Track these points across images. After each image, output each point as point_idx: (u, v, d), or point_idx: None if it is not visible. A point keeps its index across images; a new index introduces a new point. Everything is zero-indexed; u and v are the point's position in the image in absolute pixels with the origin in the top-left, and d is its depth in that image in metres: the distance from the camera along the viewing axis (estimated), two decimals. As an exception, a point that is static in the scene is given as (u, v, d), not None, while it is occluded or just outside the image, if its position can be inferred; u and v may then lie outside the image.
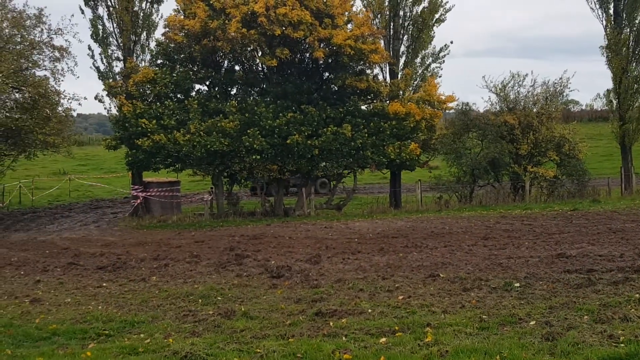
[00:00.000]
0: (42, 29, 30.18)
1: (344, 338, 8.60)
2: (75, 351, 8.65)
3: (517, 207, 28.39)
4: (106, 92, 31.86)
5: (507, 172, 33.05)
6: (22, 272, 16.29)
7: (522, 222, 22.67)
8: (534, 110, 32.68)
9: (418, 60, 33.30)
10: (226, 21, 28.76)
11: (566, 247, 16.14)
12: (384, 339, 8.40)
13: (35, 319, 10.78)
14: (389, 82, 33.00)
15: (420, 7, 33.11)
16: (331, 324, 9.37)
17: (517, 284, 11.45)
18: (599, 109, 71.11)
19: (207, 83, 31.64)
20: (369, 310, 10.05)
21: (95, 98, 33.40)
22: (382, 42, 32.27)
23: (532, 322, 8.83)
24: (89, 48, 32.39)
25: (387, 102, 31.88)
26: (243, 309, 10.55)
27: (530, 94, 32.93)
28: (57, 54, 30.38)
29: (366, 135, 29.96)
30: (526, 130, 31.86)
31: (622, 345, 7.56)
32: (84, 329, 9.97)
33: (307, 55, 30.99)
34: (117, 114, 31.26)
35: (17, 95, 30.14)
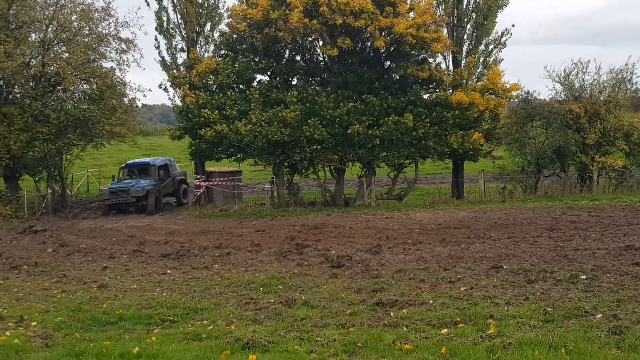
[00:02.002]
0: (109, 22, 30.94)
1: (404, 328, 8.55)
2: (141, 336, 8.86)
3: (584, 197, 27.65)
4: (170, 83, 32.47)
5: (574, 162, 32.17)
6: (90, 259, 16.78)
7: (589, 213, 22.07)
8: (601, 98, 31.66)
9: (481, 47, 32.70)
10: (287, 11, 28.85)
11: (635, 239, 15.62)
12: (445, 330, 8.32)
13: (102, 304, 11.08)
14: (451, 70, 32.53)
15: (485, -7, 32.41)
16: (392, 314, 9.33)
17: (584, 277, 11.16)
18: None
19: (269, 73, 31.83)
20: (430, 301, 9.96)
21: (160, 87, 33.90)
22: (444, 30, 31.80)
23: (599, 315, 8.59)
24: (155, 39, 33.09)
25: (450, 91, 31.43)
26: (304, 298, 10.61)
27: (595, 81, 31.91)
28: (123, 46, 31.10)
29: (428, 124, 29.64)
30: (593, 119, 30.92)
31: (694, 340, 7.29)
32: (149, 314, 10.20)
33: (368, 44, 30.83)
34: (181, 104, 31.82)
35: (84, 86, 30.97)
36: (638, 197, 26.73)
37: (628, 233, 16.80)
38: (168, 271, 14.36)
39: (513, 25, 37.23)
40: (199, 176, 32.72)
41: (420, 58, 30.82)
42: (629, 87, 32.47)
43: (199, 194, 31.77)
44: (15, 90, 30.03)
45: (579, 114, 30.68)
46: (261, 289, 11.77)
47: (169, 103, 34.85)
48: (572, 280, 11.02)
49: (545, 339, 7.61)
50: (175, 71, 32.71)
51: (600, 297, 9.67)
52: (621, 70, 31.76)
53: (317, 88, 31.16)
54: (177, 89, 32.03)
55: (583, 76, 31.99)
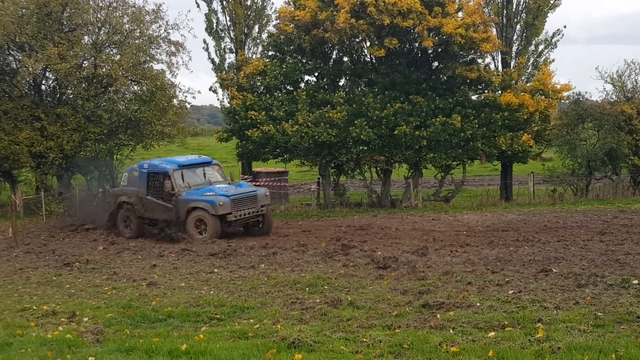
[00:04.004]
0: (159, 24, 31.40)
1: (451, 331, 8.50)
2: (189, 333, 9.00)
3: (636, 201, 27.02)
4: (219, 84, 32.86)
5: (626, 164, 31.46)
6: (139, 257, 17.09)
7: (642, 217, 21.56)
8: (655, 99, 30.87)
9: (531, 48, 32.22)
10: (335, 12, 28.89)
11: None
12: (492, 333, 8.24)
13: (151, 301, 11.28)
14: (500, 71, 32.13)
15: (536, -7, 31.94)
16: (438, 316, 9.28)
17: (636, 281, 10.92)
18: None
19: (316, 74, 31.91)
20: (478, 304, 9.87)
21: (210, 89, 34.39)
22: (493, 30, 31.42)
23: (652, 321, 8.41)
24: (204, 42, 33.58)
25: (499, 92, 31.04)
26: (349, 299, 10.62)
27: (649, 82, 31.13)
28: (173, 48, 31.52)
29: (476, 126, 29.32)
30: (645, 121, 30.18)
31: None
32: (196, 312, 10.35)
33: (416, 44, 30.62)
34: (229, 105, 32.15)
35: (135, 87, 31.52)
36: (694, 200, 26.01)
37: (683, 237, 16.38)
38: (215, 270, 14.54)
39: (565, 27, 36.72)
40: (246, 177, 33.00)
41: (468, 59, 30.48)
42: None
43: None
44: (69, 91, 30.74)
45: (631, 115, 29.98)
46: (307, 289, 11.82)
47: (217, 104, 35.39)
48: (624, 285, 10.80)
49: (595, 344, 7.49)
50: (223, 73, 33.09)
51: (653, 303, 9.45)
52: (675, 70, 30.96)
53: (364, 89, 31.10)
54: (226, 90, 32.38)
55: (636, 77, 31.30)
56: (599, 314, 8.92)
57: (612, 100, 31.93)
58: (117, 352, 8.19)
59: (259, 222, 21.50)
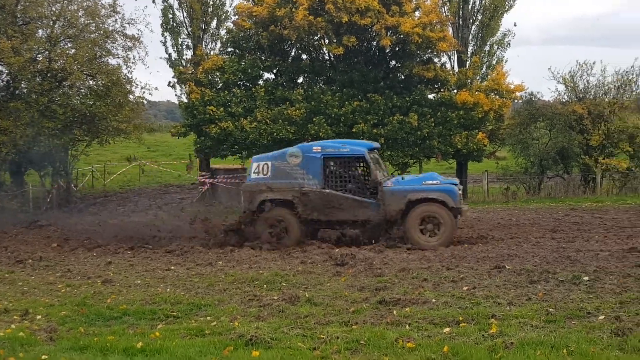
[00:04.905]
0: (115, 19, 30.94)
1: (407, 327, 8.61)
2: (145, 331, 8.92)
3: (587, 199, 27.66)
4: (176, 79, 32.58)
5: (577, 163, 32.20)
6: (94, 254, 16.84)
7: (592, 215, 22.08)
8: (605, 99, 31.67)
9: (487, 48, 32.75)
10: (293, 9, 28.90)
11: (639, 241, 15.65)
12: (447, 329, 8.37)
13: (106, 299, 11.14)
14: (456, 70, 32.56)
15: (492, -6, 32.45)
16: (394, 312, 9.38)
17: (586, 278, 11.18)
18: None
19: (274, 71, 31.89)
20: (433, 300, 10.01)
21: (169, 84, 33.95)
22: (450, 30, 31.84)
23: (601, 317, 8.63)
24: (162, 35, 33.17)
25: (455, 91, 31.47)
26: (307, 295, 10.66)
27: (600, 83, 31.92)
28: (129, 43, 31.09)
29: (433, 124, 29.68)
30: (597, 121, 30.93)
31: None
32: (152, 310, 10.26)
33: (374, 43, 30.86)
34: (187, 101, 31.90)
35: (90, 82, 31.00)
36: (642, 199, 26.74)
37: (632, 235, 16.82)
38: (172, 267, 14.42)
39: (515, 25, 37.33)
40: (204, 173, 32.80)
41: (425, 58, 30.86)
42: (634, 89, 32.47)
43: (203, 190, 31.85)
44: (22, 85, 30.07)
45: (582, 115, 30.68)
46: (265, 285, 11.82)
47: (174, 100, 35.04)
48: (575, 281, 11.05)
49: (547, 339, 7.66)
50: (181, 67, 32.83)
51: (603, 299, 9.71)
52: (627, 72, 31.78)
53: (323, 86, 31.23)
54: (183, 85, 32.13)
55: (588, 78, 32.02)
56: (550, 309, 9.12)
57: (564, 100, 32.63)
58: (71, 350, 8.09)
59: None
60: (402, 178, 17.50)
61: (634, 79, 31.92)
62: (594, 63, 31.96)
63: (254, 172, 16.93)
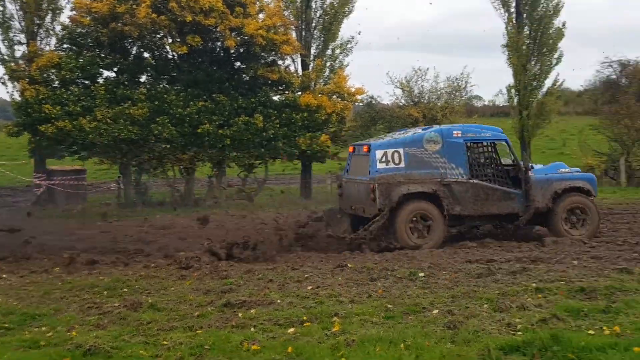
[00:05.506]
0: None
1: (252, 329, 8.64)
2: (-27, 346, 8.33)
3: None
4: (8, 77, 30.55)
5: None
6: None
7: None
8: (438, 104, 33.59)
9: (328, 52, 33.52)
10: (135, 5, 28.09)
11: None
12: (292, 329, 8.49)
13: None
14: (300, 73, 33.09)
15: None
16: (240, 314, 9.38)
17: (422, 274, 11.79)
18: (501, 105, 73.36)
19: (115, 69, 30.77)
20: (278, 301, 10.11)
21: None
22: (293, 33, 32.29)
23: (435, 311, 9.12)
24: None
25: (299, 93, 31.97)
26: (150, 301, 10.41)
27: (433, 88, 33.85)
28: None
29: (278, 126, 29.96)
30: (430, 123, 32.71)
31: (520, 333, 7.94)
32: (-19, 322, 9.59)
33: (219, 43, 30.66)
34: (20, 99, 30.00)
35: None
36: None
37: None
38: (4, 275, 13.51)
39: (359, 33, 38.73)
40: (39, 174, 31.08)
41: (270, 60, 31.10)
42: (463, 94, 34.73)
43: (39, 193, 30.18)
44: None
45: (417, 118, 32.36)
46: (105, 292, 11.40)
47: (7, 97, 32.82)
48: (411, 277, 11.62)
49: (386, 335, 7.98)
50: (13, 64, 30.85)
51: (437, 294, 10.27)
52: (457, 78, 33.94)
53: (167, 86, 30.61)
54: (16, 83, 30.19)
55: (422, 83, 33.82)
56: (389, 305, 9.51)
57: (401, 104, 34.24)
58: None
59: None
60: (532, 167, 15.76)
61: (463, 85, 34.12)
62: (427, 69, 33.95)
63: (381, 162, 14.73)
